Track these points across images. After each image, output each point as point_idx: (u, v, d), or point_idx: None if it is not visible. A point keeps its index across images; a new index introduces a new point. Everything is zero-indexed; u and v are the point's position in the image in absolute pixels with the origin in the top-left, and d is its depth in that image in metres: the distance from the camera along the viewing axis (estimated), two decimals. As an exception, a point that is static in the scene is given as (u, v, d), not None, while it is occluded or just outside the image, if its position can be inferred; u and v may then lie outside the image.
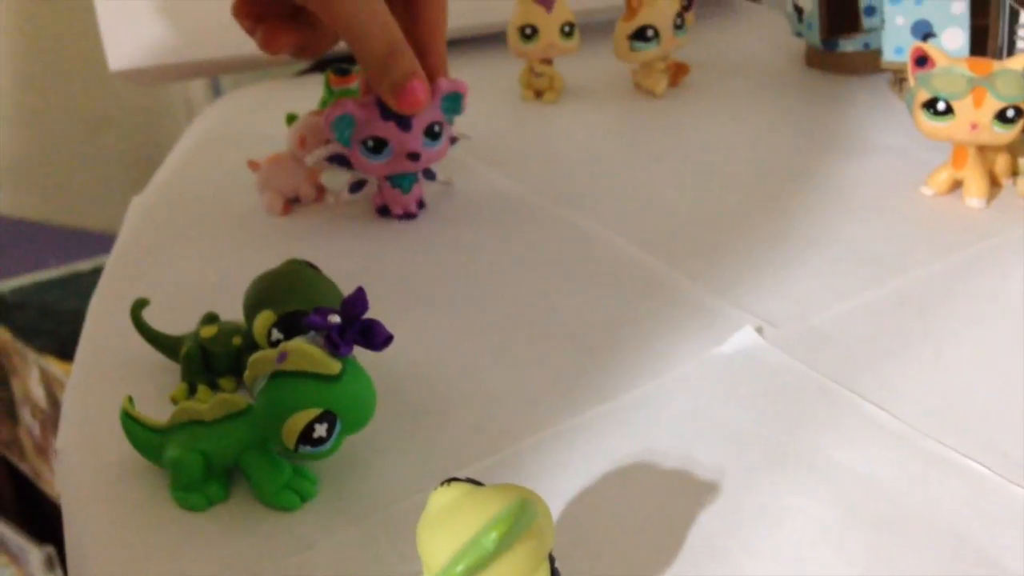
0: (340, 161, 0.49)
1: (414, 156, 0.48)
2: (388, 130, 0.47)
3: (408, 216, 0.51)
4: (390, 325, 0.42)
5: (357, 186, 0.51)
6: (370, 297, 0.45)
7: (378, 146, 0.47)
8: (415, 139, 0.48)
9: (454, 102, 0.49)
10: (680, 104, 0.64)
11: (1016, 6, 0.54)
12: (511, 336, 0.42)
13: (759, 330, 0.41)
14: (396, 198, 0.50)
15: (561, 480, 0.34)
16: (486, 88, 0.68)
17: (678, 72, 0.66)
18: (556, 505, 0.33)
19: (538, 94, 0.66)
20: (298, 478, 0.34)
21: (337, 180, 0.53)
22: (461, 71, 0.71)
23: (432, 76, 0.48)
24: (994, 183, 0.51)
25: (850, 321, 0.42)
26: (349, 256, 0.49)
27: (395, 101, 0.46)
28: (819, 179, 0.54)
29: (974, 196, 0.49)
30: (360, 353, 0.34)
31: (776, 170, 0.55)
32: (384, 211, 0.51)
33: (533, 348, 0.42)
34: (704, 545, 0.32)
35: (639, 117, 0.63)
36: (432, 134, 0.48)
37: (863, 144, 0.57)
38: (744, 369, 0.39)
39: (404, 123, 0.47)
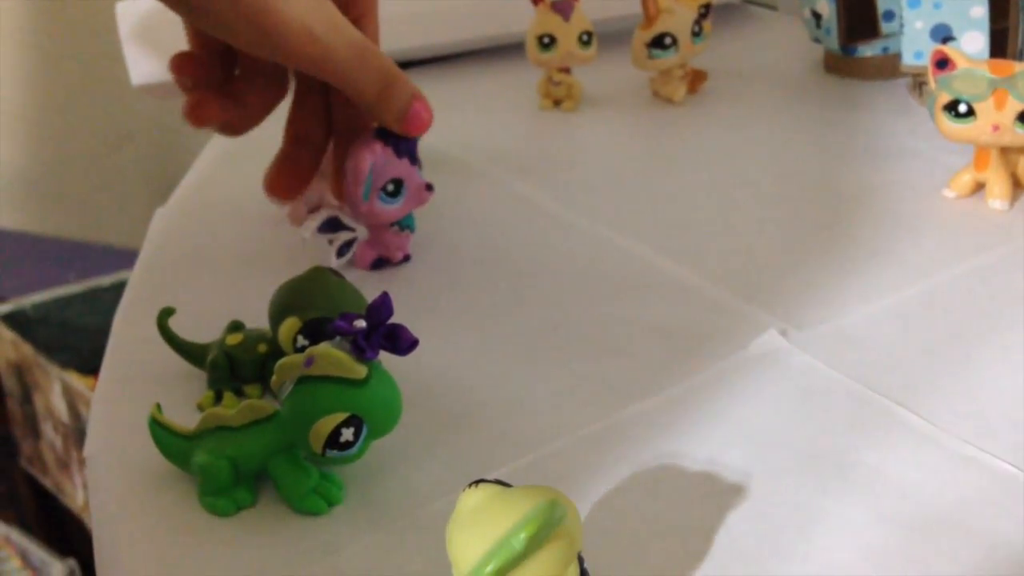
0: (332, 226, 0.46)
1: (430, 187, 0.46)
2: (403, 168, 0.45)
3: (407, 259, 0.48)
4: (414, 331, 0.43)
5: (347, 247, 0.47)
6: (394, 304, 0.45)
7: (397, 188, 0.45)
8: (418, 171, 0.46)
9: None
10: (699, 111, 0.64)
11: (1036, 8, 0.54)
12: (535, 341, 0.42)
13: (784, 333, 0.41)
14: (400, 242, 0.47)
15: (588, 483, 0.34)
16: (504, 97, 0.68)
17: (696, 79, 0.66)
18: (583, 507, 0.33)
19: (556, 103, 0.66)
20: (325, 483, 0.34)
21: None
22: (479, 80, 0.72)
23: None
24: (1017, 185, 0.51)
25: (875, 324, 0.42)
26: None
27: (404, 128, 0.44)
28: (840, 183, 0.54)
29: (997, 198, 0.49)
30: (385, 359, 0.34)
31: (797, 175, 0.55)
32: (378, 264, 0.47)
33: (557, 353, 0.42)
34: (732, 548, 0.31)
35: (658, 124, 0.63)
36: (417, 160, 0.46)
37: (884, 148, 0.57)
38: (769, 372, 0.39)
39: (413, 157, 0.45)
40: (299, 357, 0.32)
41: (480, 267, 0.48)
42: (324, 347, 0.32)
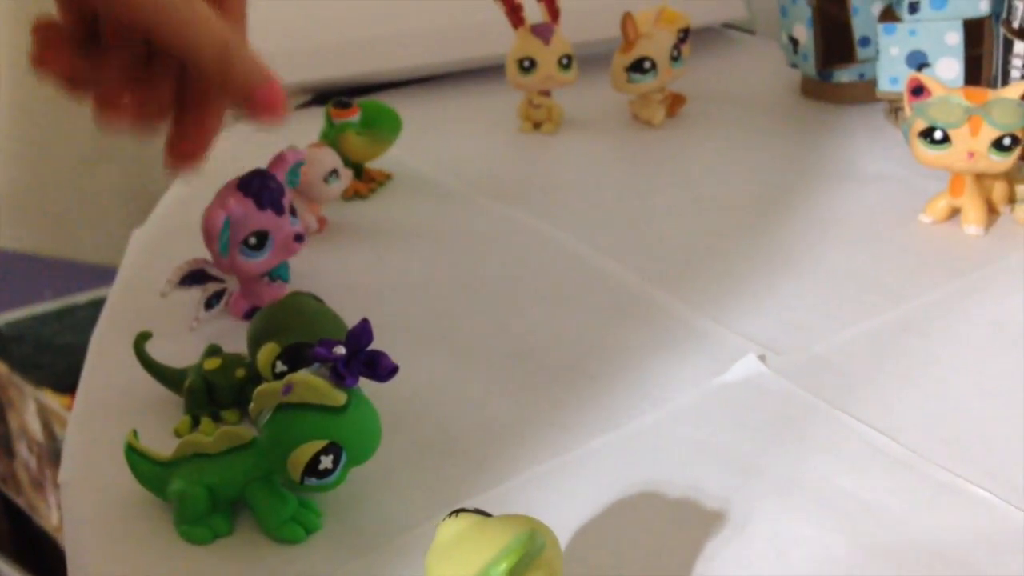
0: (196, 279, 0.44)
1: (300, 237, 0.44)
2: (267, 220, 0.43)
3: None
4: (394, 357, 0.43)
5: (216, 298, 0.45)
6: (373, 329, 0.45)
7: (260, 241, 0.43)
8: (288, 221, 0.44)
9: (295, 174, 0.47)
10: (678, 134, 0.65)
11: (1010, 36, 0.55)
12: (515, 366, 0.42)
13: (762, 358, 0.41)
14: (273, 292, 0.45)
15: (567, 510, 0.34)
16: (485, 119, 0.68)
17: (675, 103, 0.67)
18: (563, 535, 0.33)
19: (536, 125, 0.66)
20: (303, 510, 0.34)
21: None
22: (460, 102, 0.72)
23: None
24: (992, 210, 0.51)
25: (852, 348, 0.42)
26: (352, 288, 0.49)
27: (250, 106, 0.37)
28: (818, 208, 0.54)
29: (972, 224, 0.50)
30: (363, 384, 0.34)
31: (775, 199, 0.56)
32: (253, 313, 0.43)
33: (536, 378, 0.42)
34: (711, 574, 0.31)
35: (637, 147, 0.64)
36: (293, 211, 0.45)
37: (861, 173, 0.57)
38: (748, 397, 0.39)
39: (278, 207, 0.44)
40: (277, 384, 0.32)
41: (459, 290, 0.48)
42: (303, 374, 0.32)
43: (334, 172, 0.52)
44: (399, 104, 0.68)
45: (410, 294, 0.48)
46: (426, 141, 0.66)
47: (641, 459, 0.36)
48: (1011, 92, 0.47)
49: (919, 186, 0.53)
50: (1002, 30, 0.56)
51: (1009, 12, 0.55)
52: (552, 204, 0.56)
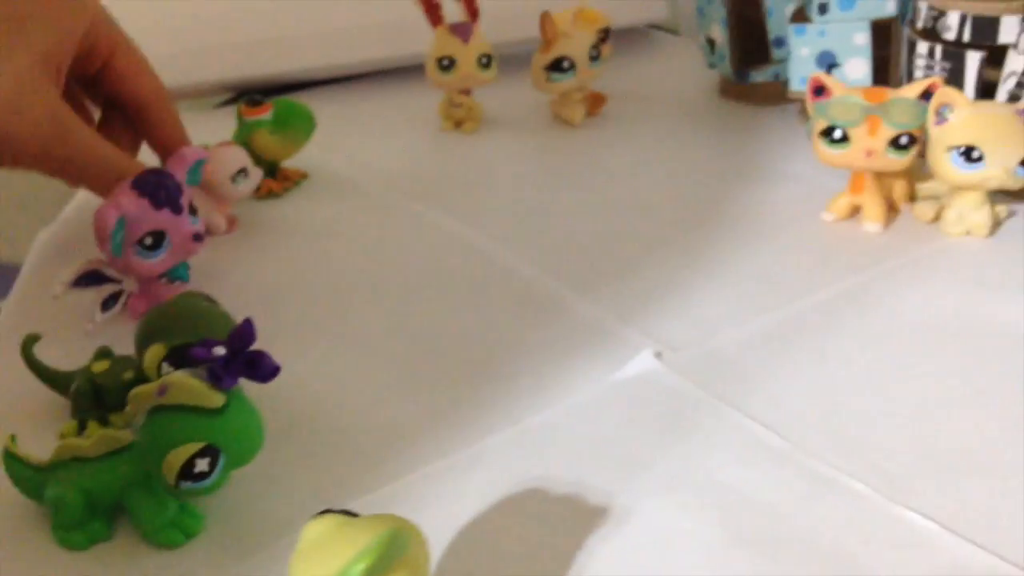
0: (92, 279, 0.43)
1: (199, 237, 0.44)
2: (164, 220, 0.43)
3: None
4: (293, 356, 0.42)
5: (113, 300, 0.45)
6: (273, 328, 0.45)
7: (157, 241, 0.43)
8: (187, 220, 0.44)
9: (195, 173, 0.46)
10: (597, 133, 0.65)
11: (914, 36, 0.56)
12: (416, 364, 0.42)
13: (658, 355, 0.42)
14: (172, 293, 0.45)
15: (453, 509, 0.34)
16: (406, 119, 0.68)
17: (596, 102, 0.67)
18: (446, 534, 0.33)
19: (458, 124, 0.66)
20: (183, 514, 0.33)
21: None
22: (382, 101, 0.72)
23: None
24: (893, 208, 0.52)
25: (748, 344, 0.42)
26: (256, 288, 0.49)
27: None
28: (727, 206, 0.55)
29: (871, 221, 0.51)
30: (258, 386, 0.33)
31: (687, 198, 0.56)
32: None
33: (437, 376, 0.42)
34: (591, 572, 0.32)
35: (557, 146, 0.64)
36: (193, 210, 0.45)
37: (771, 172, 0.58)
38: (641, 393, 0.40)
39: (176, 207, 0.43)
40: (152, 386, 0.32)
41: (366, 289, 0.48)
42: (179, 375, 0.32)
43: (242, 171, 0.52)
44: (320, 103, 0.68)
45: (315, 293, 0.48)
46: (346, 140, 0.65)
47: (531, 457, 0.37)
48: (908, 92, 0.48)
49: (825, 184, 0.54)
50: (907, 31, 0.57)
51: (914, 13, 0.56)
52: (467, 202, 0.56)
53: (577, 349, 0.43)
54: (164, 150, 0.51)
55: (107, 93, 0.51)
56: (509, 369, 0.42)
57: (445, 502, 0.35)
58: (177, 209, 0.43)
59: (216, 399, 0.31)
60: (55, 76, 0.46)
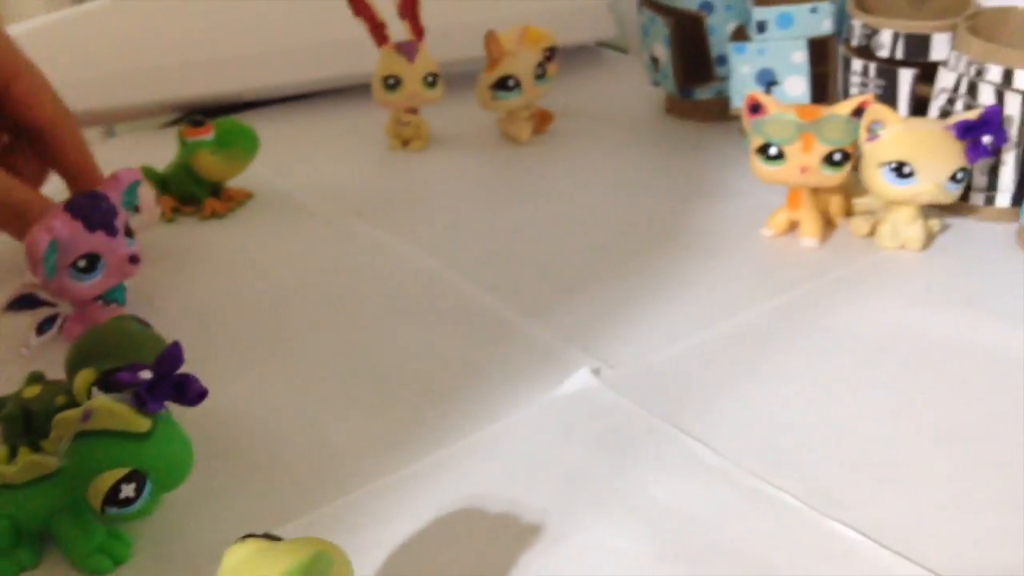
0: (26, 303, 0.43)
1: (135, 259, 0.44)
2: (98, 242, 0.42)
3: None
4: (229, 378, 0.42)
5: (49, 323, 0.44)
6: (210, 350, 0.45)
7: (91, 263, 0.42)
8: (122, 242, 0.44)
9: (132, 194, 0.46)
10: (544, 151, 0.65)
11: (848, 54, 0.57)
12: (354, 384, 0.42)
13: (596, 371, 0.42)
14: (108, 316, 0.43)
15: (387, 531, 0.34)
16: (353, 138, 0.68)
17: (542, 120, 0.68)
18: (379, 557, 0.33)
19: (405, 143, 0.67)
20: (112, 540, 0.33)
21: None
22: (329, 121, 0.72)
23: (95, 184, 0.48)
24: (830, 223, 0.53)
25: (685, 360, 0.43)
26: (194, 311, 0.48)
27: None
28: (670, 223, 0.55)
29: (808, 236, 0.51)
30: (191, 410, 0.33)
31: (630, 215, 0.57)
32: None
33: (375, 396, 0.42)
34: (522, 590, 0.32)
35: (504, 164, 0.64)
36: (129, 233, 0.45)
37: (713, 188, 0.59)
38: (580, 411, 0.40)
39: (110, 229, 0.43)
40: (76, 411, 0.31)
41: (307, 310, 0.48)
42: (103, 400, 0.31)
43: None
44: (267, 122, 0.68)
45: (256, 315, 0.48)
46: (292, 159, 0.65)
47: (467, 476, 0.37)
48: (841, 109, 0.49)
49: (765, 201, 0.55)
50: (842, 48, 0.58)
51: (848, 31, 0.57)
52: (412, 221, 0.57)
53: (517, 367, 0.43)
54: (70, 176, 0.51)
55: (9, 119, 0.51)
56: (448, 388, 0.42)
57: (378, 524, 0.34)
58: (112, 231, 0.43)
59: (141, 423, 0.31)
60: None
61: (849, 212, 0.53)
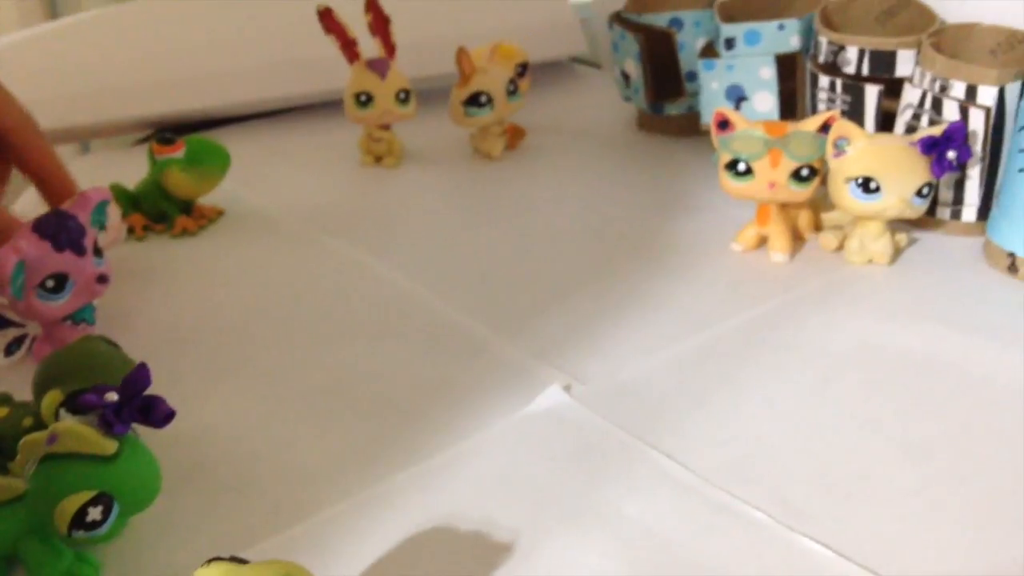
0: None
1: (103, 278, 0.44)
2: (66, 261, 0.42)
3: None
4: (199, 398, 0.42)
5: (17, 344, 0.44)
6: (179, 370, 0.44)
7: (59, 283, 0.42)
8: (90, 261, 0.43)
9: (101, 213, 0.46)
10: (516, 167, 0.66)
11: (815, 71, 0.58)
12: (327, 403, 0.42)
13: (567, 388, 0.42)
14: (76, 336, 0.44)
15: (357, 550, 0.34)
16: (326, 154, 0.68)
17: (515, 135, 0.68)
18: (352, 575, 0.33)
19: (378, 159, 0.67)
20: (80, 564, 0.33)
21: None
22: (300, 138, 0.72)
23: (69, 193, 0.49)
24: (799, 238, 0.54)
25: (655, 376, 0.43)
26: (164, 330, 0.48)
27: None
28: (641, 238, 0.56)
29: (777, 251, 0.52)
30: (159, 431, 0.33)
31: (602, 230, 0.57)
32: None
33: (346, 415, 0.41)
34: (493, 608, 0.32)
35: (476, 180, 0.64)
36: (98, 252, 0.45)
37: (684, 203, 0.59)
38: (550, 427, 0.40)
39: (79, 248, 0.43)
40: (42, 434, 0.31)
41: (278, 328, 0.48)
42: (68, 423, 0.31)
43: None
44: (239, 138, 0.68)
45: (226, 334, 0.48)
46: (265, 176, 0.65)
47: (439, 494, 0.37)
48: (808, 125, 0.50)
49: (736, 215, 0.55)
50: (809, 65, 0.59)
51: (815, 48, 0.58)
52: (384, 238, 0.57)
53: (489, 385, 0.43)
54: (38, 177, 0.51)
55: None
56: (420, 406, 0.42)
57: (348, 543, 0.34)
58: (80, 251, 0.43)
59: (108, 446, 0.31)
60: None
61: (818, 227, 0.54)
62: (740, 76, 0.61)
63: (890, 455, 0.38)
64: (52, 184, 0.50)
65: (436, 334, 0.47)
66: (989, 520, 0.35)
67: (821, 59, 0.57)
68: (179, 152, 0.56)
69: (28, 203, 0.60)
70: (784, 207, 0.52)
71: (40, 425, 0.37)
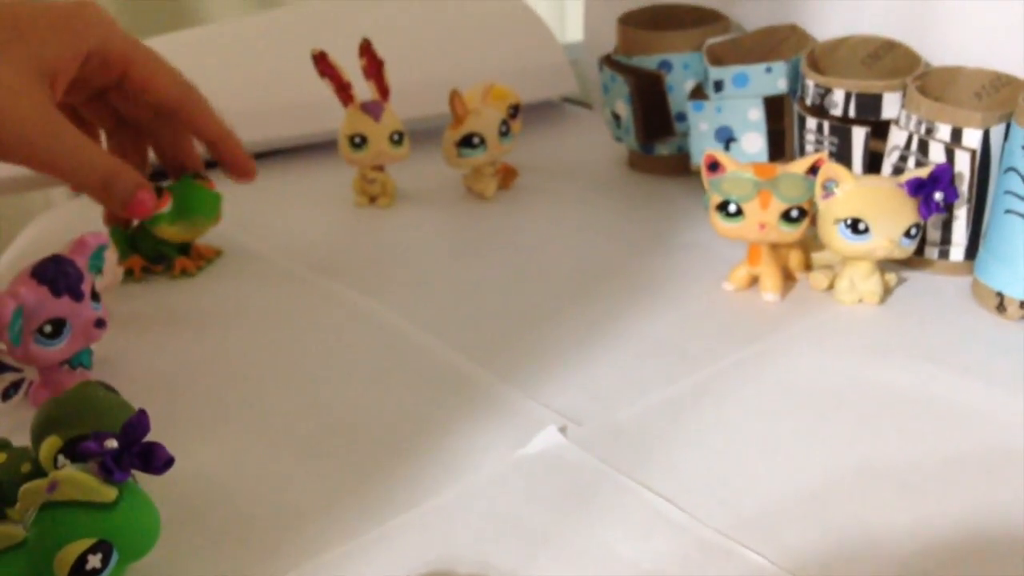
0: None
1: (101, 323, 0.44)
2: (64, 307, 0.43)
3: None
4: (196, 443, 0.42)
5: (15, 388, 0.44)
6: (176, 415, 0.45)
7: (57, 329, 0.43)
8: (88, 306, 0.44)
9: (99, 258, 0.46)
10: (509, 207, 0.66)
11: (803, 113, 0.59)
12: (320, 447, 0.42)
13: (563, 429, 0.42)
14: (75, 380, 0.43)
15: (355, 595, 0.34)
16: (321, 195, 0.69)
17: (507, 176, 0.69)
18: (347, 621, 0.33)
19: (372, 200, 0.67)
20: (78, 611, 0.32)
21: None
22: (295, 179, 0.72)
23: (242, 159, 0.57)
24: (790, 277, 0.54)
25: (649, 416, 0.43)
26: (162, 373, 0.48)
27: (129, 211, 0.51)
28: (633, 277, 0.56)
29: (769, 291, 0.52)
30: (157, 477, 0.33)
31: (594, 270, 0.58)
32: None
33: (341, 459, 0.42)
34: (491, 653, 0.32)
35: (470, 220, 0.65)
36: (95, 296, 0.45)
37: (676, 242, 0.60)
38: (546, 469, 0.40)
39: (76, 294, 0.43)
40: (42, 482, 0.31)
41: (275, 370, 0.48)
42: (68, 470, 0.31)
43: None
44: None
45: (222, 377, 0.48)
46: (261, 216, 0.66)
47: (434, 537, 0.37)
48: (796, 167, 0.51)
49: (727, 254, 0.56)
50: (797, 107, 0.60)
51: (802, 90, 0.59)
52: (379, 278, 0.57)
53: (484, 426, 0.43)
54: (211, 142, 0.57)
55: (127, 107, 0.55)
56: (416, 448, 0.42)
57: (347, 588, 0.34)
58: (78, 296, 0.43)
59: (107, 493, 0.31)
60: (50, 84, 0.49)
61: (808, 266, 0.55)
62: (729, 118, 0.62)
63: (884, 494, 0.38)
64: (225, 147, 0.57)
65: (431, 375, 0.47)
66: (983, 557, 0.35)
67: (808, 101, 0.58)
68: (165, 207, 0.55)
69: (42, 227, 0.60)
70: (775, 247, 0.53)
71: (38, 470, 0.37)
